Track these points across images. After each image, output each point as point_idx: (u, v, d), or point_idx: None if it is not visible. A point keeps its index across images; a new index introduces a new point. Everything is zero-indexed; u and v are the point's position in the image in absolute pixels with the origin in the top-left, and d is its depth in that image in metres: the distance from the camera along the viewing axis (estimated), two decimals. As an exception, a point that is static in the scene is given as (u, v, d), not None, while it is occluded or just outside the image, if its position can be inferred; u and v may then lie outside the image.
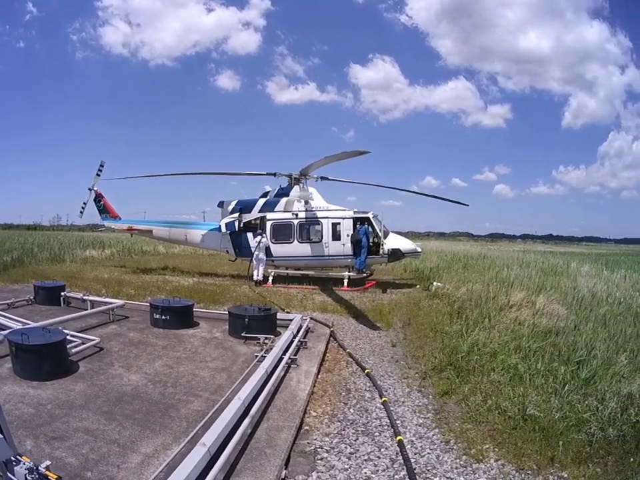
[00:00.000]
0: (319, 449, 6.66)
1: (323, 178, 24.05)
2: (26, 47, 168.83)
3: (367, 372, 10.07)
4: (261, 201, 24.35)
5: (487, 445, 6.94)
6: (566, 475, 6.18)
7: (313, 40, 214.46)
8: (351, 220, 23.14)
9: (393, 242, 23.35)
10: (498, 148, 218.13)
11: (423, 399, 8.83)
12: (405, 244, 23.77)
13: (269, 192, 25.08)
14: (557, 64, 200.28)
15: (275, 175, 24.16)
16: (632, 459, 6.40)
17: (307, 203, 23.72)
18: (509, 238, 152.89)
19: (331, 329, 13.60)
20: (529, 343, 10.36)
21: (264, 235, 23.30)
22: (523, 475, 6.21)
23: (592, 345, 10.06)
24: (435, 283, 21.07)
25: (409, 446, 6.90)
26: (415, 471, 6.12)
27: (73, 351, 9.37)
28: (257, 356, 9.79)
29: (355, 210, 23.61)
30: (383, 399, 8.60)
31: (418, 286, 23.18)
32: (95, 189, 27.14)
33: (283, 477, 5.76)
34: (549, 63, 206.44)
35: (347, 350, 11.77)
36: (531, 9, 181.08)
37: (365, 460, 6.43)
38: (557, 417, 7.37)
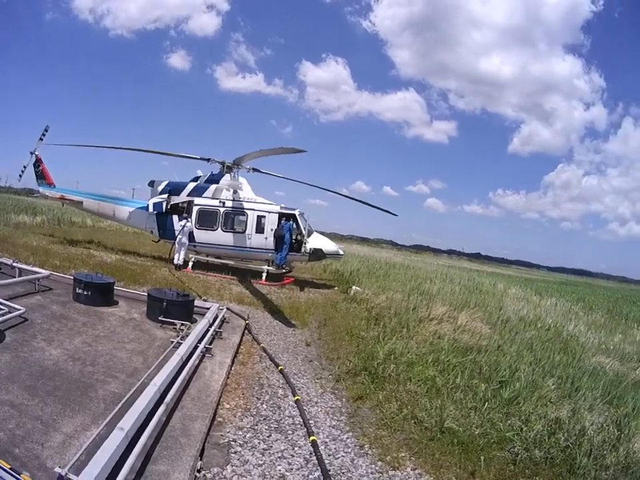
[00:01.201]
0: (232, 442, 6.65)
1: (255, 170, 23.86)
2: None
3: (281, 369, 10.08)
4: (191, 185, 24.04)
5: (403, 453, 7.07)
6: None
7: (271, 31, 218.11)
8: (277, 215, 23.16)
9: (315, 241, 23.47)
10: (436, 163, 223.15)
11: (337, 402, 8.89)
12: (327, 244, 23.91)
13: (200, 177, 24.69)
14: (516, 90, 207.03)
15: (208, 160, 23.84)
16: None
17: (235, 192, 23.53)
18: (435, 251, 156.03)
19: (247, 321, 13.55)
20: (448, 357, 10.65)
21: (189, 219, 23.03)
22: None
23: (516, 367, 10.45)
24: (354, 287, 21.34)
25: (322, 447, 6.95)
26: (330, 473, 6.18)
27: (0, 319, 9.07)
28: (172, 342, 9.67)
29: (282, 205, 23.63)
30: (296, 397, 8.63)
31: (336, 288, 23.34)
32: (37, 153, 26.14)
33: (199, 467, 5.74)
34: (507, 88, 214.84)
35: (261, 344, 11.78)
36: (501, 34, 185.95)
37: (279, 457, 6.45)
38: (477, 432, 7.62)
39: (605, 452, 7.42)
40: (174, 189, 24.03)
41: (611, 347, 15.88)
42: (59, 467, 4.63)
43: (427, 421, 7.90)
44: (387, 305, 16.73)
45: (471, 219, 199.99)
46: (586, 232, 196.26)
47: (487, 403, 8.57)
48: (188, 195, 23.78)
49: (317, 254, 23.44)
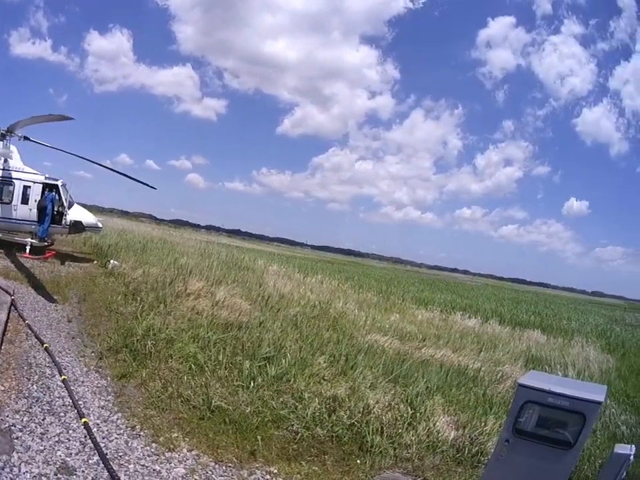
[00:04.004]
0: (12, 427, 6.46)
1: (25, 138, 22.37)
2: None
3: (46, 347, 9.82)
4: None
5: (176, 433, 7.24)
6: (276, 470, 6.73)
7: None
8: (41, 185, 22.03)
9: (76, 214, 22.70)
10: (201, 139, 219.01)
11: (102, 380, 8.86)
12: (87, 217, 23.26)
13: None
14: (296, 74, 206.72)
15: None
16: (359, 461, 7.17)
17: (6, 161, 21.96)
18: (194, 226, 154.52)
19: (12, 297, 12.97)
20: (208, 333, 10.73)
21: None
22: (224, 467, 6.60)
23: (281, 344, 10.68)
24: (111, 261, 20.90)
25: (95, 429, 6.93)
26: (108, 457, 6.20)
27: None
28: None
29: (47, 175, 22.51)
30: (63, 377, 8.49)
31: (95, 262, 22.64)
32: None
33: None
34: (288, 72, 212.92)
35: (27, 321, 11.35)
36: (294, 19, 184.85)
37: (57, 442, 6.38)
38: (248, 411, 7.85)
39: (400, 430, 7.93)
40: None
41: (387, 326, 16.71)
42: None
43: (194, 400, 8.06)
44: (143, 279, 16.72)
45: (232, 195, 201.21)
46: (357, 214, 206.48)
47: (253, 381, 8.75)
48: None
49: (77, 226, 22.67)
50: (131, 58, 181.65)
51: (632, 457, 5.46)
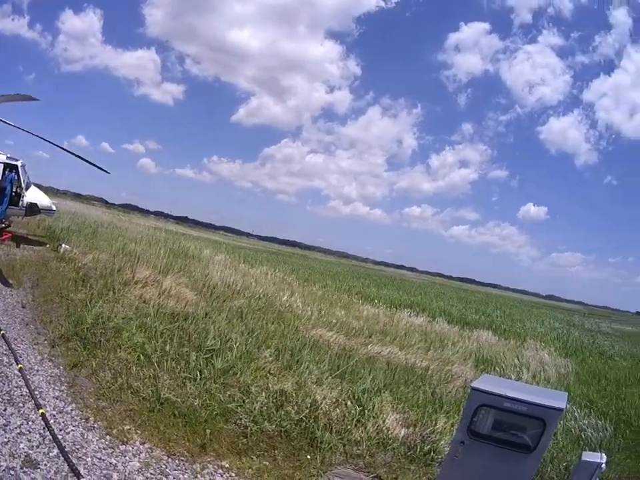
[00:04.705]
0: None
1: None
2: None
3: (2, 333, 9.72)
4: None
5: (128, 425, 7.29)
6: (227, 465, 6.83)
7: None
8: (2, 165, 21.23)
9: (33, 195, 22.05)
10: (156, 124, 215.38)
11: (55, 369, 8.84)
12: (43, 199, 22.66)
13: None
14: (257, 64, 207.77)
15: None
16: (309, 457, 7.31)
17: None
18: (143, 212, 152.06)
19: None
20: (155, 323, 10.72)
21: None
22: (177, 461, 6.68)
23: (227, 336, 10.66)
24: (63, 245, 20.53)
25: (52, 420, 6.95)
26: (66, 450, 6.23)
27: None
28: None
29: (9, 155, 21.69)
30: (19, 365, 8.44)
31: (48, 245, 22.13)
32: None
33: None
34: (249, 61, 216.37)
35: (-17, 308, 11.08)
36: (262, 10, 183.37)
37: (19, 434, 6.40)
38: (196, 403, 7.92)
39: (349, 427, 8.11)
40: None
41: (334, 321, 16.65)
42: None
43: (144, 391, 8.08)
44: (93, 265, 16.46)
45: (181, 182, 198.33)
46: (304, 207, 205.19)
47: (200, 373, 8.79)
48: None
49: (33, 209, 22.04)
50: (99, 39, 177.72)
51: (604, 465, 5.73)
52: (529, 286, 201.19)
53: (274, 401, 8.35)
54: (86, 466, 6.12)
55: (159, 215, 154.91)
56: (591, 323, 54.36)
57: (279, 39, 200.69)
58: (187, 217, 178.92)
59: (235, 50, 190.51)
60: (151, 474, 6.33)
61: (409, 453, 7.91)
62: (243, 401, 8.15)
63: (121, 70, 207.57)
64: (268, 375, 9.30)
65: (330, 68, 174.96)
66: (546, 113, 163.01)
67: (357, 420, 8.35)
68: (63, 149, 31.15)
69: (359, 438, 7.92)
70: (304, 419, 7.99)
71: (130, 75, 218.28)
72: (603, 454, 5.94)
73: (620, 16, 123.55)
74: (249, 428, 7.59)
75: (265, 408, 8.07)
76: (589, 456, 5.96)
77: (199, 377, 8.71)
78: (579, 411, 11.10)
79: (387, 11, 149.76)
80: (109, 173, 27.07)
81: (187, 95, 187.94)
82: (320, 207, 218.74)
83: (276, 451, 7.33)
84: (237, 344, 10.31)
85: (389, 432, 8.26)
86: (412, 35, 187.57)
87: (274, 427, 7.73)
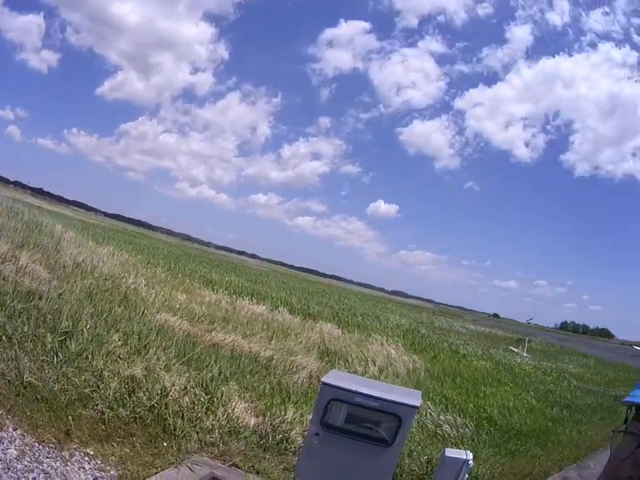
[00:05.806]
0: None
1: None
2: None
3: None
4: None
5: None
6: (92, 452, 6.65)
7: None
8: None
9: None
10: (28, 91, 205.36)
11: None
12: None
13: None
14: (131, 39, 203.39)
15: None
16: (165, 444, 7.28)
17: None
18: (3, 181, 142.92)
19: None
20: (13, 302, 10.01)
21: None
22: (47, 449, 6.40)
23: (78, 318, 10.22)
24: None
25: None
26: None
27: None
28: None
29: None
30: None
31: None
32: None
33: None
34: (124, 35, 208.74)
35: None
36: None
37: None
38: (56, 388, 7.60)
39: (200, 415, 8.15)
40: None
41: (177, 306, 16.36)
42: None
43: (8, 374, 7.63)
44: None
45: (41, 152, 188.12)
46: (152, 186, 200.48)
47: (56, 356, 8.41)
48: None
49: None
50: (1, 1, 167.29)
51: (471, 461, 6.09)
52: (374, 281, 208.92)
53: (126, 386, 8.21)
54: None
55: (17, 185, 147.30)
56: (442, 322, 56.60)
57: (157, 16, 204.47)
58: (42, 188, 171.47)
59: (113, 22, 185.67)
60: (28, 462, 6.03)
61: (262, 442, 8.09)
62: (98, 386, 7.93)
63: (10, 33, 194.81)
64: (118, 359, 9.09)
65: (199, 49, 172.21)
66: (410, 115, 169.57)
67: (206, 408, 8.42)
68: None
69: (210, 426, 7.98)
70: (155, 405, 7.96)
71: (16, 39, 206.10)
72: (468, 451, 6.37)
73: (519, 32, 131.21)
74: (106, 414, 7.43)
75: (119, 394, 7.92)
76: (452, 452, 6.38)
77: (55, 360, 8.33)
78: (433, 407, 11.66)
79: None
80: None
81: (61, 64, 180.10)
82: (167, 188, 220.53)
83: (134, 438, 7.24)
84: (88, 326, 9.92)
85: (239, 421, 8.40)
86: (288, 25, 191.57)
87: (128, 412, 7.63)
